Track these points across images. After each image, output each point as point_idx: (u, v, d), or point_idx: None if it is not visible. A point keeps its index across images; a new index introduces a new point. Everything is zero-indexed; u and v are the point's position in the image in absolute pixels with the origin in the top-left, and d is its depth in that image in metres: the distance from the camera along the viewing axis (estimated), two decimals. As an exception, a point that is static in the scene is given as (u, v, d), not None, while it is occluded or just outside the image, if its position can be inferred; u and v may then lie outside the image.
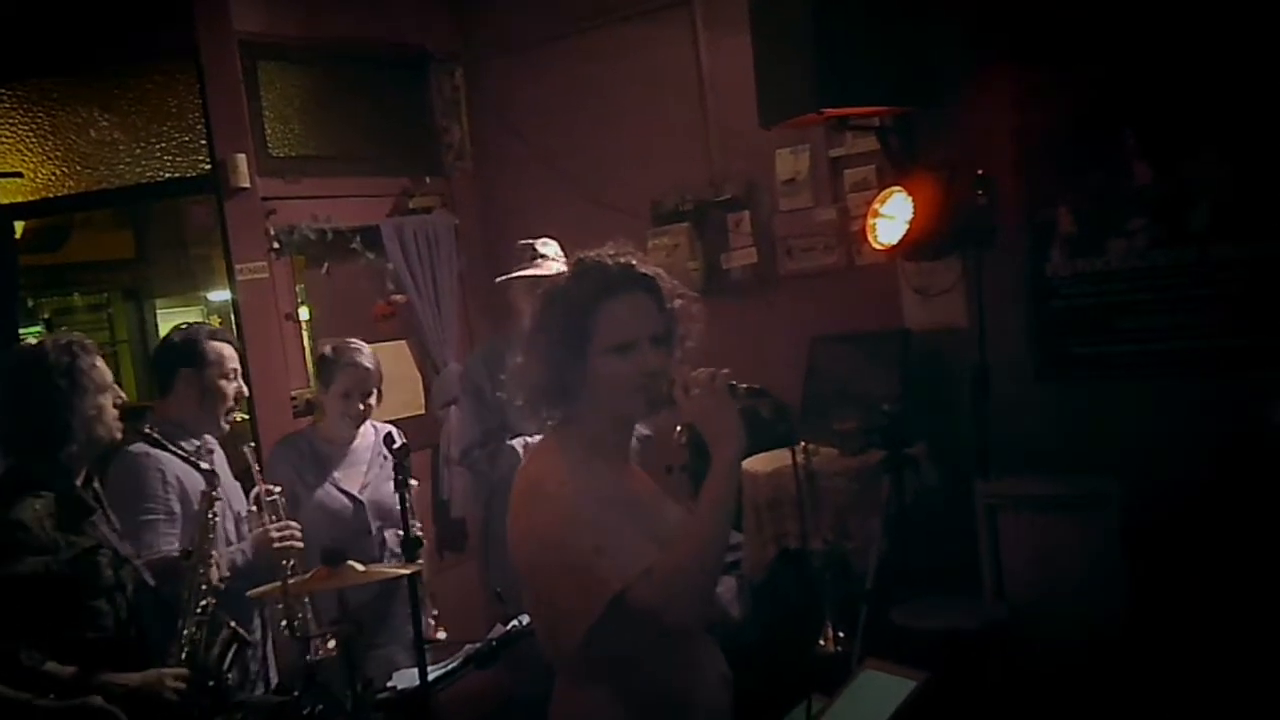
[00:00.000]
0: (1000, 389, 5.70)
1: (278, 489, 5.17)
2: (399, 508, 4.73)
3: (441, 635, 5.30)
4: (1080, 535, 5.39)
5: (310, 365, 6.68)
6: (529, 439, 5.75)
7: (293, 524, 5.08)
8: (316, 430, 5.82)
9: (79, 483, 4.39)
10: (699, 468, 3.51)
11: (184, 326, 5.29)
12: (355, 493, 5.65)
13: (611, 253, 3.24)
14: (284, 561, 4.91)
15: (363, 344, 5.75)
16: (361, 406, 5.64)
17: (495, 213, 8.15)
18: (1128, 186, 5.59)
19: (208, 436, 5.14)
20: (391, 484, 5.01)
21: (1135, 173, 5.57)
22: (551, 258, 5.97)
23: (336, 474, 5.67)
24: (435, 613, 5.34)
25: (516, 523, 3.19)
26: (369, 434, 5.76)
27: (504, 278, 6.06)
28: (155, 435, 4.71)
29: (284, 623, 4.81)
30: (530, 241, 6.06)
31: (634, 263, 3.23)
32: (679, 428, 5.32)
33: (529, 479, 3.21)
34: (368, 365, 5.61)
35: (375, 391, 5.66)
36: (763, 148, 6.79)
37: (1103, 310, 5.75)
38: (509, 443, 5.90)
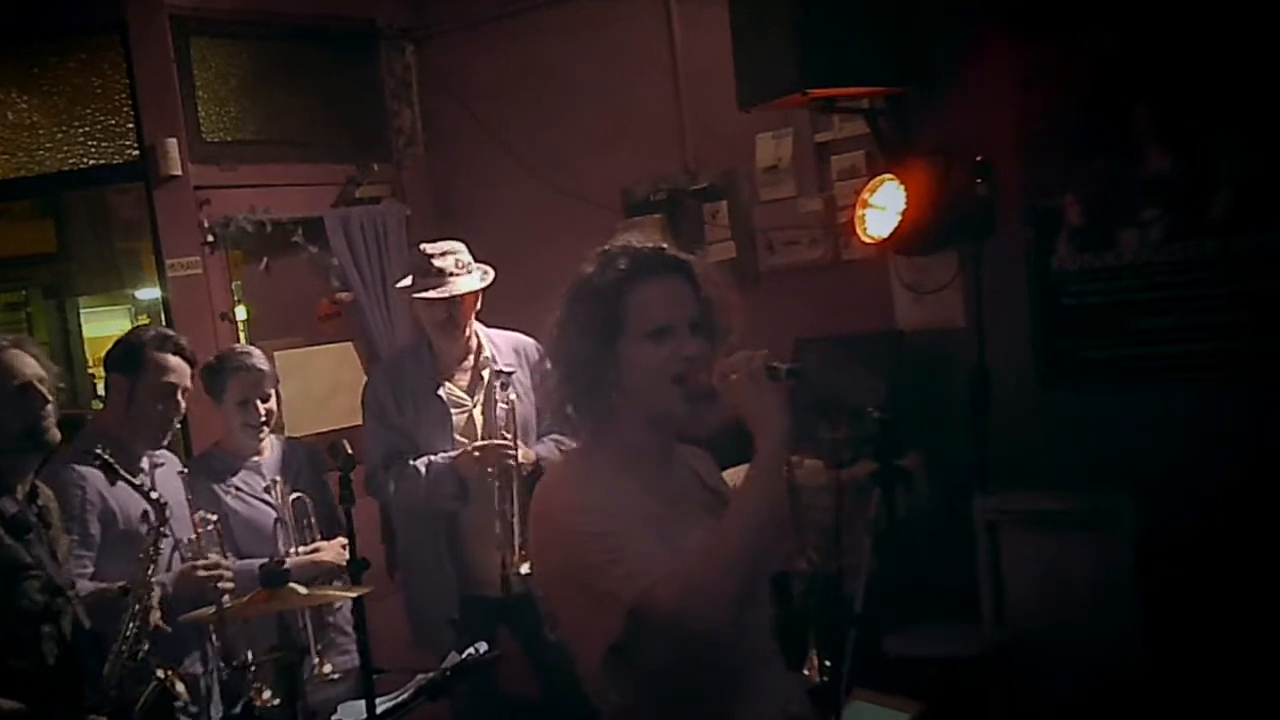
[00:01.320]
0: (1001, 395, 5.71)
1: (213, 516, 5.15)
2: (346, 523, 4.73)
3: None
4: (1089, 555, 5.37)
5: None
6: (433, 458, 5.75)
7: (223, 562, 5.03)
8: (221, 446, 5.73)
9: (19, 496, 4.29)
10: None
11: (142, 326, 5.24)
12: (282, 503, 5.58)
13: (638, 239, 3.24)
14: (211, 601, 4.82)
15: (250, 347, 5.75)
16: (261, 412, 5.58)
17: (450, 203, 8.16)
18: (1141, 172, 5.57)
19: (160, 451, 5.14)
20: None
21: (1149, 157, 5.55)
22: (453, 270, 5.80)
23: (257, 485, 5.62)
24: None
25: (534, 541, 3.26)
26: (275, 448, 5.74)
27: (417, 295, 5.86)
28: (105, 457, 4.57)
29: (222, 664, 4.85)
30: (430, 251, 5.85)
31: (665, 247, 3.22)
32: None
33: (542, 497, 3.21)
34: (260, 366, 5.56)
35: (273, 394, 5.62)
36: (742, 132, 6.78)
37: (1113, 309, 5.73)
38: (412, 463, 5.79)
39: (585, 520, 3.02)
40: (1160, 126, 5.52)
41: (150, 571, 4.58)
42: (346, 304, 7.69)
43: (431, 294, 5.76)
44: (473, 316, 5.85)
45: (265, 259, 7.64)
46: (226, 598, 4.86)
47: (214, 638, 5.09)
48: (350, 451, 4.87)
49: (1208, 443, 5.36)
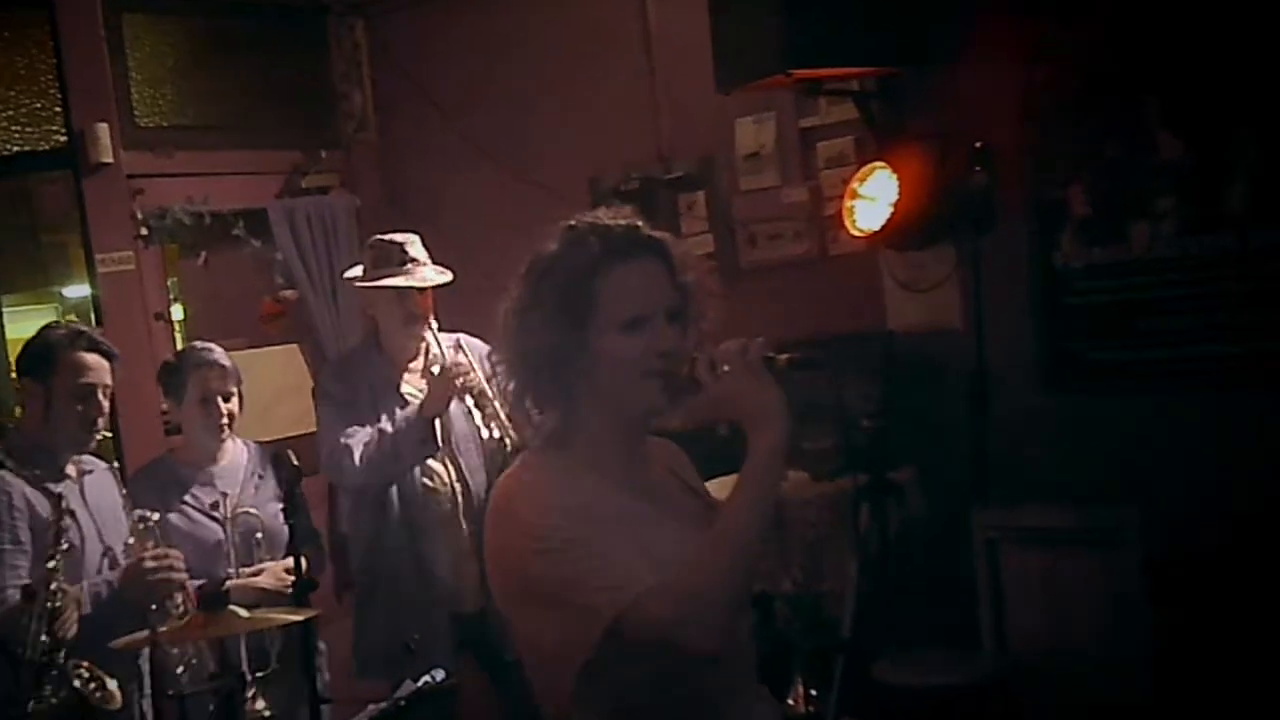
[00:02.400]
0: (1002, 402, 5.74)
1: (154, 515, 5.07)
2: (287, 539, 4.75)
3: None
4: (1096, 574, 5.39)
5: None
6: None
7: (173, 551, 4.95)
8: (175, 455, 5.72)
9: None
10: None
11: (52, 325, 5.22)
12: (228, 519, 5.54)
13: (610, 215, 3.11)
14: (163, 597, 4.81)
15: (211, 343, 5.70)
16: (224, 411, 5.54)
17: (403, 193, 8.18)
18: (1153, 160, 5.55)
19: (87, 456, 5.11)
20: (273, 507, 5.13)
21: (1161, 144, 5.53)
22: (425, 260, 5.83)
23: (205, 499, 5.56)
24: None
25: (489, 552, 3.09)
26: (238, 452, 5.70)
27: (364, 284, 5.86)
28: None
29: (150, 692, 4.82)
30: (396, 239, 5.84)
31: (639, 224, 3.10)
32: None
33: (500, 499, 3.09)
34: (223, 362, 5.54)
35: (236, 393, 5.59)
36: (720, 116, 6.79)
37: (1123, 308, 5.71)
38: (374, 426, 5.79)
39: (555, 524, 2.91)
40: (1173, 112, 5.49)
41: (53, 566, 4.56)
42: (291, 303, 7.70)
43: (402, 282, 5.73)
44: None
45: (203, 254, 7.61)
46: (180, 599, 4.83)
47: (144, 663, 5.05)
48: (296, 462, 4.87)
49: (1224, 453, 5.34)
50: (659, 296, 3.03)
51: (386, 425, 5.68)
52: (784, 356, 2.95)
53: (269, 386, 7.39)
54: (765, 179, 6.82)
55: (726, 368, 2.94)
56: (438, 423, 5.65)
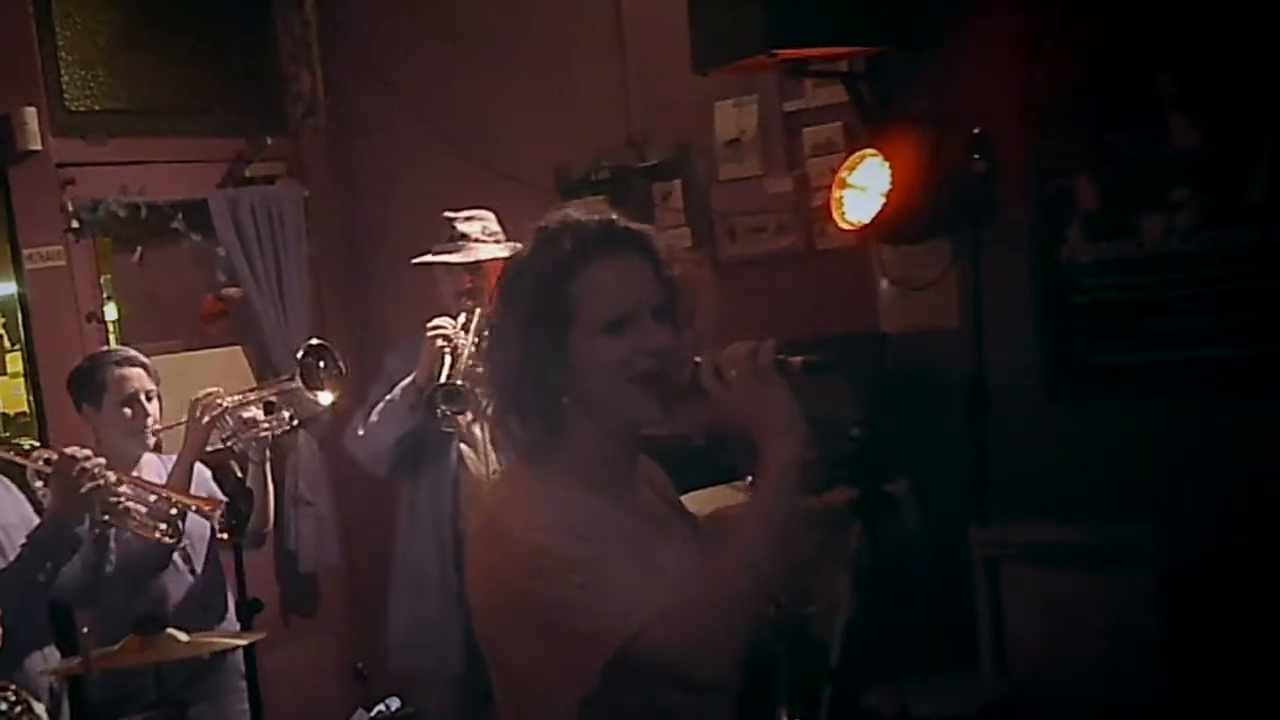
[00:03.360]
0: (1002, 409, 5.71)
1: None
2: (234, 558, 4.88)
3: None
4: (1105, 596, 5.35)
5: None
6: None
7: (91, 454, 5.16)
8: None
9: None
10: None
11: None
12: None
13: (583, 210, 3.11)
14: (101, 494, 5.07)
15: (123, 347, 5.90)
16: (148, 411, 5.62)
17: (355, 182, 8.27)
18: (1166, 148, 5.55)
19: None
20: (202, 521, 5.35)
21: (1176, 129, 5.52)
22: (479, 237, 6.04)
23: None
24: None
25: (472, 574, 3.09)
26: (156, 465, 5.76)
27: (416, 260, 6.09)
28: None
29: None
30: (452, 215, 6.09)
31: (614, 218, 3.09)
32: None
33: (487, 515, 3.09)
34: (143, 360, 5.65)
35: (155, 394, 5.66)
36: (698, 100, 6.79)
37: (1134, 307, 5.71)
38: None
39: (552, 541, 2.88)
40: (1188, 94, 5.48)
41: None
42: (235, 302, 7.73)
43: (450, 258, 5.96)
44: None
45: (139, 249, 7.66)
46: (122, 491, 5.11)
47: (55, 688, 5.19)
48: (241, 475, 4.85)
49: (1244, 463, 5.34)
50: (641, 293, 3.01)
51: (393, 394, 5.95)
52: (798, 359, 2.94)
53: None
54: (746, 167, 6.80)
55: (734, 373, 2.91)
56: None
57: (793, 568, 5.62)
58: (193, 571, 5.60)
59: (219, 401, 5.60)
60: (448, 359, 5.79)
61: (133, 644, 4.39)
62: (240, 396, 5.70)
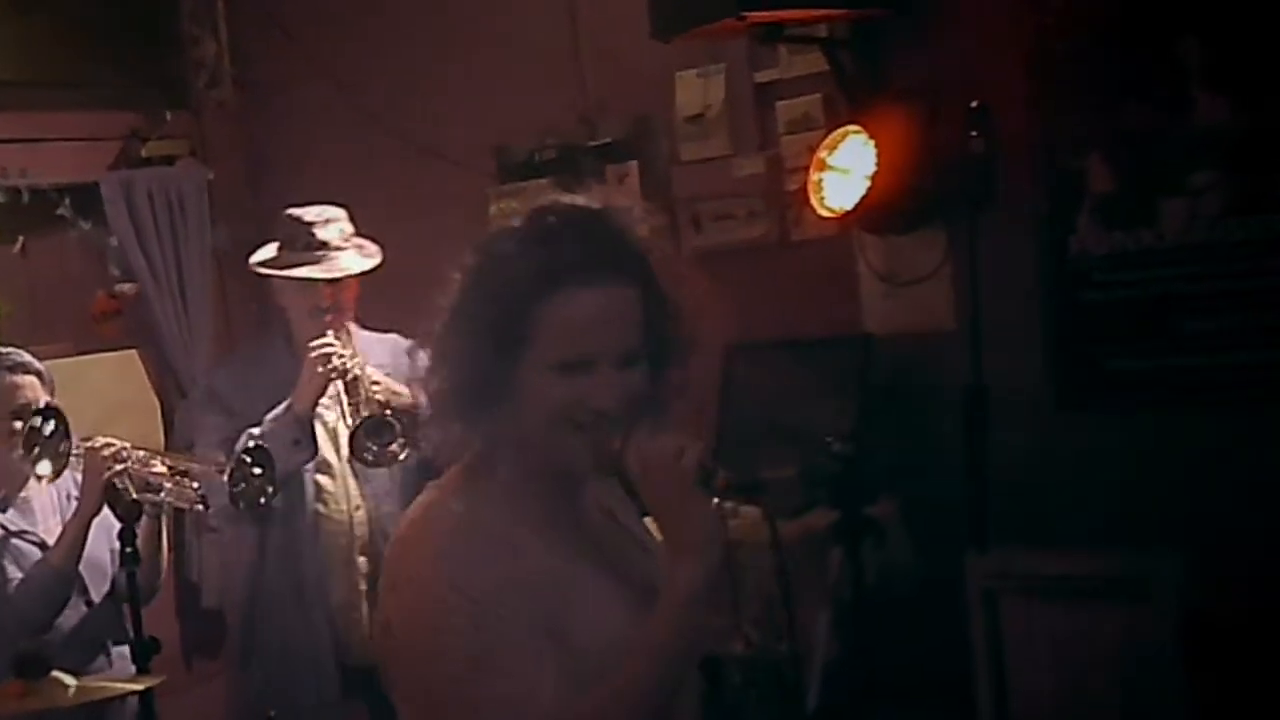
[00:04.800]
0: (1004, 421, 5.65)
1: None
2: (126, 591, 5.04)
3: None
4: (1120, 634, 5.25)
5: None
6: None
7: None
8: None
9: None
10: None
11: None
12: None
13: (582, 206, 3.08)
14: None
15: (14, 349, 5.84)
16: (33, 425, 5.59)
17: (267, 163, 8.36)
18: (1190, 124, 5.51)
19: None
20: (101, 545, 5.39)
21: (1201, 102, 5.48)
22: (339, 244, 5.92)
23: (21, 531, 5.68)
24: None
25: (389, 611, 3.10)
26: (49, 490, 5.76)
27: (266, 272, 5.97)
28: None
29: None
30: (306, 218, 5.93)
31: (621, 228, 3.05)
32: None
33: (407, 543, 3.10)
34: (36, 366, 5.71)
35: (47, 401, 5.67)
36: (658, 70, 6.81)
37: (1155, 305, 5.67)
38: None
39: (463, 599, 2.88)
40: (1214, 64, 5.45)
41: None
42: (130, 298, 7.85)
43: (310, 272, 5.81)
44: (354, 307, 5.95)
45: (21, 239, 7.94)
46: None
47: None
48: (134, 496, 4.82)
49: (1278, 484, 5.31)
50: (611, 338, 2.98)
51: (254, 429, 5.72)
52: (723, 477, 2.92)
53: (101, 400, 7.46)
54: (712, 146, 6.82)
55: (653, 473, 2.93)
56: (323, 427, 5.77)
57: (764, 601, 5.66)
58: (88, 603, 5.59)
59: (124, 455, 5.54)
60: (338, 384, 5.73)
61: (12, 689, 4.38)
62: (148, 454, 5.65)
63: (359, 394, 5.67)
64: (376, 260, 5.87)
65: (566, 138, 7.20)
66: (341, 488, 5.87)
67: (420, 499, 3.14)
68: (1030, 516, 5.64)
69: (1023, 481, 5.67)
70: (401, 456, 5.71)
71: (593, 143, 7.14)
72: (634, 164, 7.04)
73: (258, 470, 5.58)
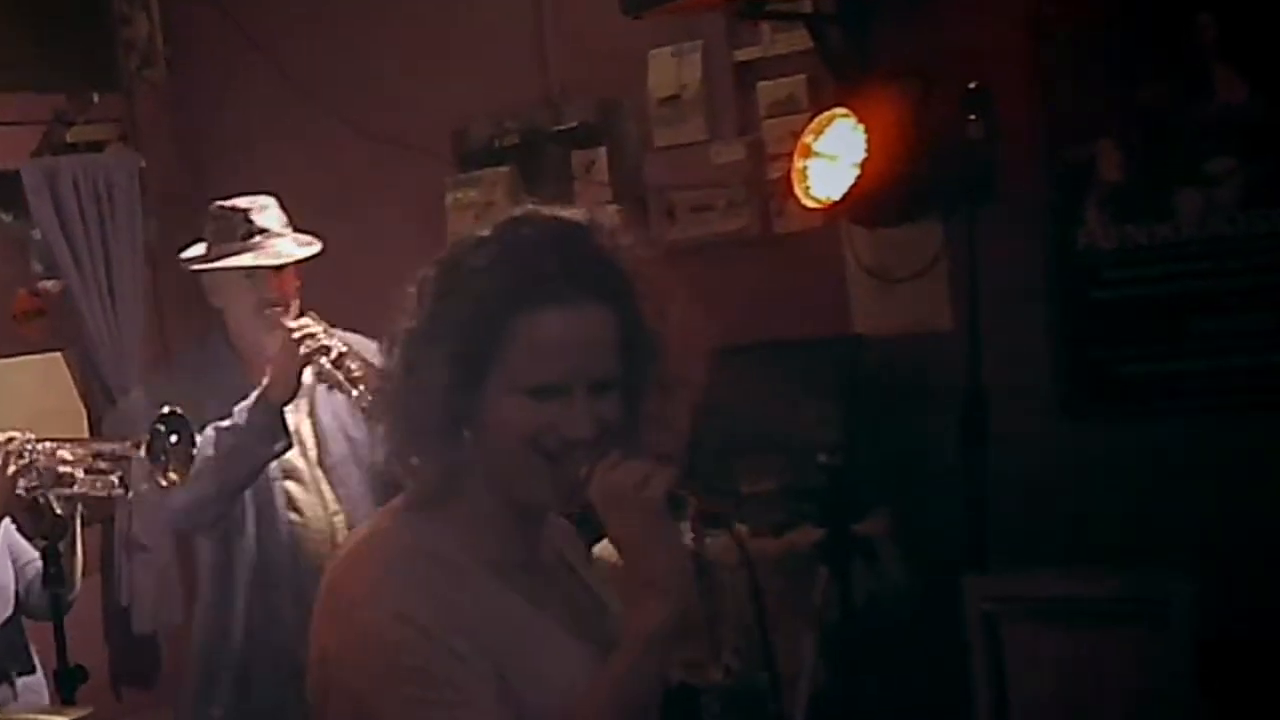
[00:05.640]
0: (1005, 430, 5.66)
1: None
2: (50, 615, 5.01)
3: None
4: (1130, 659, 5.26)
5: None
6: None
7: None
8: None
9: None
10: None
11: None
12: None
13: (563, 218, 3.02)
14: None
15: None
16: None
17: (203, 150, 8.38)
18: (1206, 107, 5.57)
19: None
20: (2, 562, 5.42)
21: (1219, 82, 5.54)
22: (279, 231, 5.85)
23: None
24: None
25: (316, 650, 3.04)
26: None
27: (201, 266, 5.87)
28: None
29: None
30: (240, 205, 5.84)
31: (604, 245, 3.01)
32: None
33: (342, 577, 3.06)
34: None
35: None
36: (628, 48, 6.80)
37: (1169, 304, 5.73)
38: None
39: (407, 637, 2.84)
40: (1232, 42, 5.50)
41: None
42: (54, 296, 7.87)
43: (255, 260, 5.71)
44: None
45: None
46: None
47: None
48: (59, 512, 4.79)
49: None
50: (584, 362, 2.95)
51: (221, 423, 5.63)
52: (694, 504, 2.91)
53: (22, 407, 7.46)
54: (688, 131, 6.81)
55: (616, 502, 2.89)
56: (294, 421, 5.66)
57: (744, 626, 5.65)
58: None
59: (27, 448, 5.46)
60: (324, 365, 5.60)
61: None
62: (54, 444, 5.56)
63: (348, 369, 5.56)
64: (317, 248, 5.78)
65: (529, 121, 7.20)
66: (315, 494, 5.78)
67: (367, 525, 3.13)
68: (1034, 534, 5.68)
69: (1025, 495, 5.72)
70: None
71: (558, 127, 7.13)
72: (602, 150, 7.04)
73: (174, 438, 5.50)
